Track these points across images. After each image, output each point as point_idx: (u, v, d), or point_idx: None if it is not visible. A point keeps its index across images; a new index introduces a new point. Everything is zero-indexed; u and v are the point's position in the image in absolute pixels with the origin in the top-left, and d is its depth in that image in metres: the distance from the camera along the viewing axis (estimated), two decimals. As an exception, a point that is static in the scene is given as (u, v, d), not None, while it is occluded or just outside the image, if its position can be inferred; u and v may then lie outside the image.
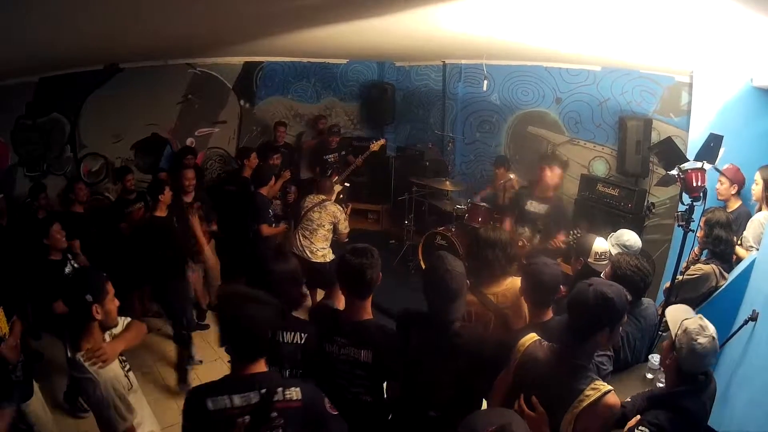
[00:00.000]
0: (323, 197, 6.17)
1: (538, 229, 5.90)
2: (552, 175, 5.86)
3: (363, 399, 2.87)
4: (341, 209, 6.19)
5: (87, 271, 3.00)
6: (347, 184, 7.88)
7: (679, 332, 2.40)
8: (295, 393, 2.22)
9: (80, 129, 6.73)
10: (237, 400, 2.15)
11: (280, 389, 2.20)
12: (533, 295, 3.01)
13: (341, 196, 6.77)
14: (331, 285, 5.99)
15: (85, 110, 6.71)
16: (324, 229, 6.06)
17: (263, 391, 2.17)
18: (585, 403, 2.23)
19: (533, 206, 6.05)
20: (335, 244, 6.22)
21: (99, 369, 2.70)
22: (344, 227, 6.15)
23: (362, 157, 8.09)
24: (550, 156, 6.95)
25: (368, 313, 2.88)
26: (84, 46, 4.84)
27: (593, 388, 2.25)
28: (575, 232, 5.43)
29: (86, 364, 2.68)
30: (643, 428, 2.32)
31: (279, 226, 6.58)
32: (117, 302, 2.93)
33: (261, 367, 2.26)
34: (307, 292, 6.07)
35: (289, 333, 2.95)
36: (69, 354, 2.76)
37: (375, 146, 7.96)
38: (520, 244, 5.67)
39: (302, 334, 2.96)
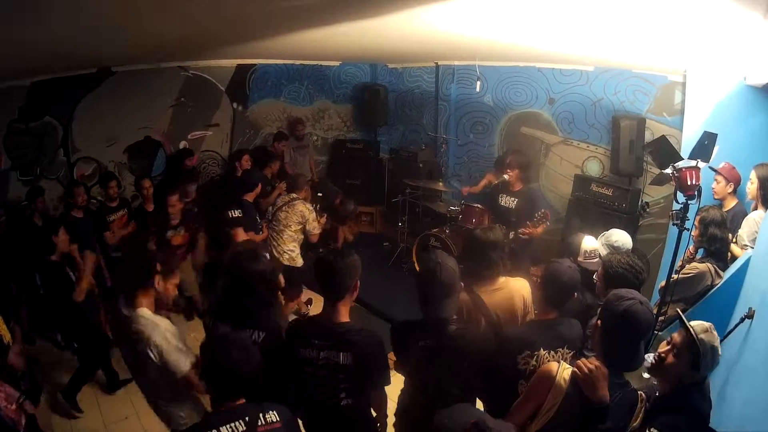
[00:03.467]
0: (294, 195, 6.02)
1: (512, 223, 5.89)
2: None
3: (344, 403, 2.88)
4: (311, 208, 6.02)
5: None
6: (320, 194, 7.52)
7: (695, 335, 2.36)
8: (274, 416, 2.30)
9: (73, 133, 6.70)
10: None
11: (260, 414, 2.28)
12: (549, 295, 3.00)
13: (316, 205, 6.61)
14: (296, 292, 5.90)
15: (78, 114, 6.67)
16: (290, 230, 5.91)
17: (247, 419, 2.24)
18: (640, 417, 2.32)
19: (504, 200, 6.12)
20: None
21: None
22: (313, 227, 5.98)
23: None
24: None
25: (345, 316, 2.88)
26: (76, 49, 4.81)
27: (641, 400, 2.33)
28: (540, 213, 5.42)
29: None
30: (655, 431, 2.30)
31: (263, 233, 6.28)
32: (176, 290, 3.31)
33: (240, 399, 2.34)
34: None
35: (247, 331, 3.01)
36: (126, 312, 2.97)
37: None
38: None
39: (260, 333, 3.03)
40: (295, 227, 5.90)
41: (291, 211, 5.88)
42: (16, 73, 5.75)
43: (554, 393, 2.37)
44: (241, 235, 5.64)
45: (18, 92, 6.11)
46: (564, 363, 2.45)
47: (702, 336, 2.34)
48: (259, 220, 6.14)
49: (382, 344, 2.85)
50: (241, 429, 2.21)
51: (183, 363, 2.91)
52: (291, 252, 5.96)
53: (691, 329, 2.36)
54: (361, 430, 3.08)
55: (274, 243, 5.93)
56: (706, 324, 2.40)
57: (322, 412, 2.93)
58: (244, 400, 2.34)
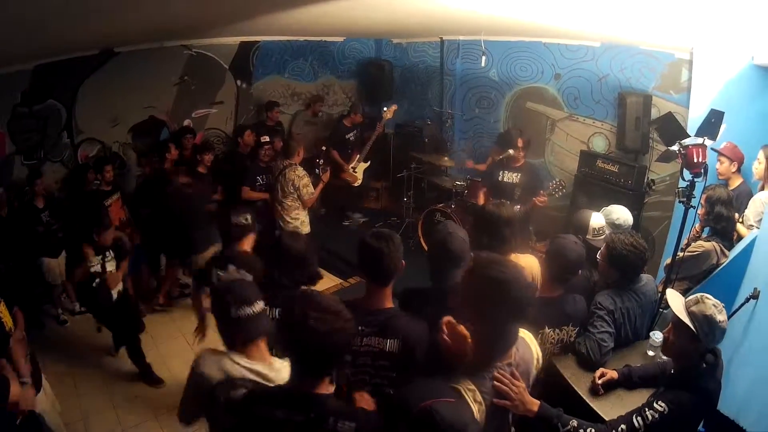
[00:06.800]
0: (288, 161, 6.07)
1: (515, 198, 5.85)
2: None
3: (385, 391, 2.67)
4: (301, 174, 6.02)
5: None
6: (368, 162, 7.95)
7: (697, 324, 2.34)
8: (348, 427, 1.93)
9: (77, 115, 6.69)
10: (279, 413, 1.95)
11: (332, 418, 1.93)
12: (555, 270, 3.01)
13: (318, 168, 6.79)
14: None
15: (81, 96, 6.65)
16: (288, 200, 5.97)
17: (312, 415, 1.93)
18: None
19: (506, 176, 6.12)
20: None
21: None
22: (305, 193, 5.98)
23: (381, 123, 8.10)
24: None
25: (390, 301, 2.74)
26: (78, 30, 4.79)
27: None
28: (555, 182, 5.43)
29: None
30: (662, 403, 2.35)
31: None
32: None
33: (324, 386, 2.00)
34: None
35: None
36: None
37: (389, 113, 7.98)
38: None
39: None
40: (292, 196, 5.97)
41: (284, 181, 5.95)
42: (19, 57, 5.72)
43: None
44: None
45: (21, 76, 6.09)
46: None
47: (693, 308, 2.37)
48: (260, 180, 6.50)
49: (428, 329, 2.67)
50: (298, 419, 1.91)
51: None
52: (295, 219, 6.04)
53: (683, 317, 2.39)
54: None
55: (280, 213, 6.03)
56: (697, 295, 2.42)
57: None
58: (330, 387, 2.02)
